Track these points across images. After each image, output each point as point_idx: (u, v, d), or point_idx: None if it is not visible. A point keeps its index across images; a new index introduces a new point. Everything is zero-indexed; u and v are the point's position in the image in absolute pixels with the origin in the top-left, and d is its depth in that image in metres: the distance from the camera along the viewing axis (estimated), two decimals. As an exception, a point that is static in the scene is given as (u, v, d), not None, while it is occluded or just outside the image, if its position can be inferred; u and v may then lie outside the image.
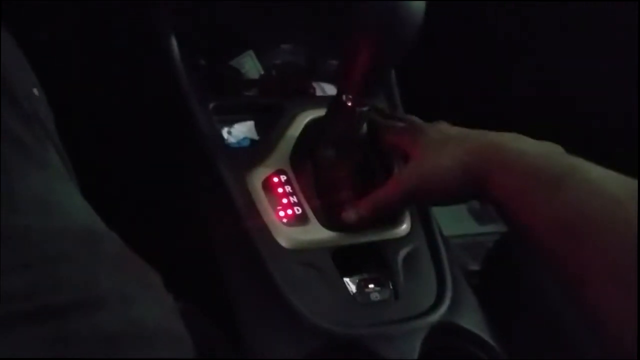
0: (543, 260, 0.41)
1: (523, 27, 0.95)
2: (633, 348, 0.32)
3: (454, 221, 0.87)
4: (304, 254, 0.53)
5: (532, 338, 0.58)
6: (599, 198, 0.37)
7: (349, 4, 0.47)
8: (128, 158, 0.80)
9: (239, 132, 0.62)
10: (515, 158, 0.43)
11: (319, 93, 0.71)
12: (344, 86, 0.52)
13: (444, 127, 0.52)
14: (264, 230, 0.53)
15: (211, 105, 0.62)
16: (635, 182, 0.36)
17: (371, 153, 0.60)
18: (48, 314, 0.30)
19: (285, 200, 0.56)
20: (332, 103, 0.55)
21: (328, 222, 0.56)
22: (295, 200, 0.56)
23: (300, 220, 0.55)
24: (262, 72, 0.72)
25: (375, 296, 0.54)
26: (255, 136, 0.63)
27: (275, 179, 0.57)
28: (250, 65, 0.72)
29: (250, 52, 0.72)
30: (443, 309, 0.53)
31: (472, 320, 0.54)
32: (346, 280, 0.54)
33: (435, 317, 0.52)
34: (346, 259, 0.54)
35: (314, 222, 0.55)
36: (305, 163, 0.58)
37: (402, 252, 0.56)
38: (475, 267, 0.78)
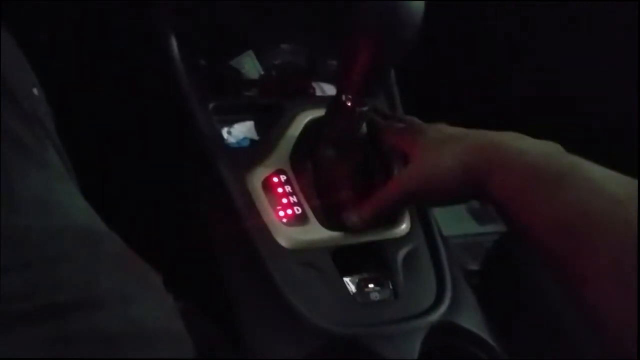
0: (543, 260, 0.41)
1: (523, 27, 0.95)
2: (633, 348, 0.32)
3: (453, 221, 0.87)
4: (304, 253, 0.53)
5: (531, 338, 0.58)
6: (599, 198, 0.36)
7: (349, 4, 0.47)
8: (128, 158, 0.80)
9: (239, 132, 0.62)
10: (515, 157, 0.43)
11: (318, 93, 0.71)
12: (344, 86, 0.52)
13: (443, 127, 0.52)
14: (264, 230, 0.53)
15: (211, 105, 0.62)
16: (636, 182, 0.36)
17: (371, 153, 0.60)
18: (48, 314, 0.30)
19: (285, 200, 0.56)
20: (331, 103, 0.55)
21: (328, 222, 0.56)
22: (295, 200, 0.56)
23: (300, 220, 0.55)
24: (262, 72, 0.72)
25: (375, 296, 0.54)
26: (255, 136, 0.63)
27: (275, 179, 0.57)
28: (250, 66, 0.72)
29: (250, 52, 0.72)
30: (443, 308, 0.53)
31: (472, 320, 0.54)
32: (346, 280, 0.54)
33: (435, 316, 0.52)
34: (346, 259, 0.54)
35: (313, 222, 0.55)
36: (305, 163, 0.58)
37: (402, 252, 0.56)
38: (474, 267, 0.78)
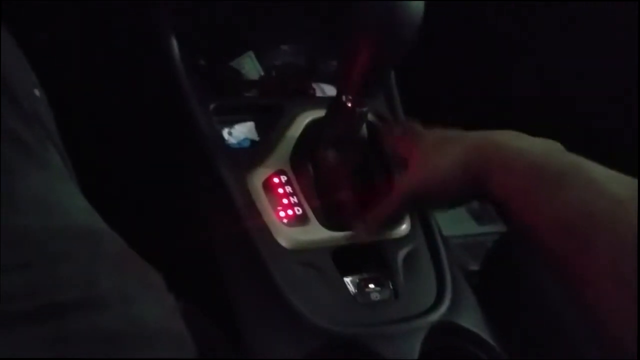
0: (543, 260, 0.41)
1: (523, 27, 0.95)
2: (633, 348, 0.32)
3: (453, 221, 0.87)
4: (304, 254, 0.53)
5: (531, 338, 0.58)
6: (600, 198, 0.36)
7: (349, 4, 0.47)
8: (129, 158, 0.80)
9: (240, 132, 0.63)
10: (515, 157, 0.42)
11: (318, 94, 0.71)
12: (344, 87, 0.52)
13: (442, 131, 0.52)
14: (265, 231, 0.54)
15: (211, 106, 0.62)
16: (637, 182, 0.36)
17: (371, 153, 0.60)
18: (48, 313, 0.30)
19: (285, 201, 0.56)
20: (332, 104, 0.55)
21: (328, 222, 0.56)
22: (296, 200, 0.56)
23: (300, 220, 0.55)
24: (262, 73, 0.72)
25: (375, 296, 0.54)
26: (255, 137, 0.63)
27: (276, 180, 0.57)
28: (250, 66, 0.72)
29: (250, 53, 0.72)
30: (443, 308, 0.53)
31: (472, 320, 0.54)
32: (346, 280, 0.54)
33: (435, 316, 0.52)
34: (346, 259, 0.54)
35: (314, 222, 0.55)
36: (305, 163, 0.58)
37: (402, 252, 0.57)
38: (475, 267, 0.78)
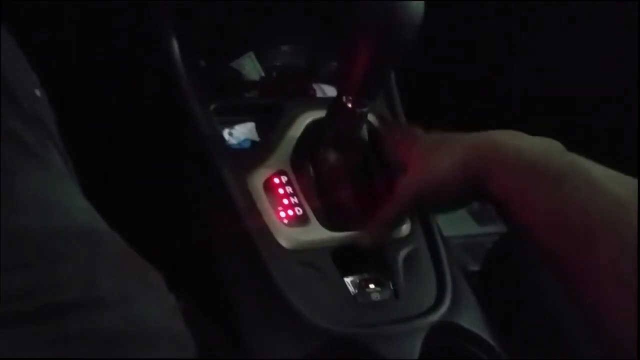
0: (543, 259, 0.41)
1: (523, 27, 0.95)
2: (633, 348, 0.32)
3: (453, 222, 0.87)
4: (305, 254, 0.53)
5: (531, 338, 0.58)
6: (599, 198, 0.36)
7: (349, 5, 0.47)
8: (129, 158, 0.80)
9: (240, 133, 0.63)
10: (515, 157, 0.42)
11: (319, 94, 0.71)
12: (344, 87, 0.52)
13: (439, 133, 0.52)
14: (265, 231, 0.53)
15: (212, 107, 0.62)
16: (636, 181, 0.36)
17: (371, 154, 0.60)
18: (48, 313, 0.30)
19: (285, 201, 0.56)
20: (332, 104, 0.55)
21: (328, 222, 0.56)
22: (296, 200, 0.56)
23: (300, 220, 0.55)
24: (263, 74, 0.72)
25: (375, 296, 0.54)
26: (256, 137, 0.63)
27: (276, 180, 0.57)
28: (251, 67, 0.72)
29: (251, 54, 0.72)
30: (443, 308, 0.53)
31: (472, 320, 0.54)
32: (346, 280, 0.54)
33: (435, 316, 0.52)
34: (346, 259, 0.54)
35: (314, 223, 0.55)
36: (306, 164, 0.58)
37: (403, 253, 0.57)
38: (475, 267, 0.78)
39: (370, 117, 0.61)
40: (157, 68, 0.67)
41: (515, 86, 0.98)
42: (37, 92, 0.39)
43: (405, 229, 0.58)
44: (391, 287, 0.55)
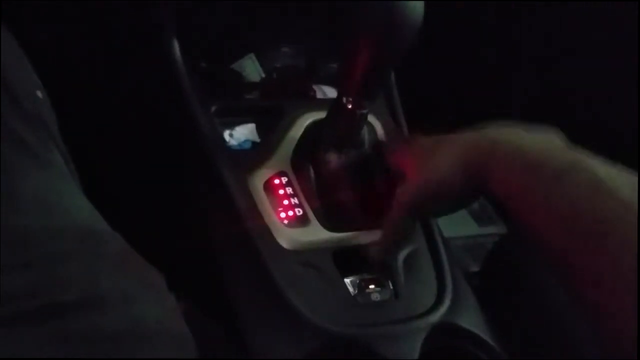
0: (544, 258, 0.40)
1: (523, 27, 0.95)
2: (633, 348, 0.32)
3: (454, 223, 0.87)
4: (305, 254, 0.53)
5: (531, 338, 0.58)
6: (600, 196, 0.36)
7: (349, 5, 0.47)
8: (130, 159, 0.80)
9: (241, 134, 0.63)
10: (515, 155, 0.42)
11: (319, 96, 0.71)
12: (344, 88, 0.52)
13: (436, 135, 0.51)
14: (265, 231, 0.54)
15: (213, 108, 0.62)
16: (637, 179, 0.36)
17: (371, 155, 0.60)
18: (49, 313, 0.30)
19: (286, 202, 0.56)
20: (332, 105, 0.55)
21: (329, 223, 0.56)
22: (296, 201, 0.56)
23: (301, 221, 0.55)
24: (263, 75, 0.72)
25: (375, 296, 0.54)
26: (256, 138, 0.63)
27: (277, 181, 0.57)
28: (251, 68, 0.72)
29: (251, 55, 0.72)
30: (443, 309, 0.53)
31: (472, 320, 0.54)
32: (346, 280, 0.54)
33: (435, 317, 0.52)
34: (346, 260, 0.54)
35: (314, 223, 0.55)
36: (306, 165, 0.58)
37: (403, 253, 0.56)
38: (475, 268, 0.78)
39: (371, 119, 0.61)
40: (158, 69, 0.67)
41: (515, 86, 0.98)
42: (39, 93, 0.39)
43: (405, 229, 0.58)
44: (391, 287, 0.55)
